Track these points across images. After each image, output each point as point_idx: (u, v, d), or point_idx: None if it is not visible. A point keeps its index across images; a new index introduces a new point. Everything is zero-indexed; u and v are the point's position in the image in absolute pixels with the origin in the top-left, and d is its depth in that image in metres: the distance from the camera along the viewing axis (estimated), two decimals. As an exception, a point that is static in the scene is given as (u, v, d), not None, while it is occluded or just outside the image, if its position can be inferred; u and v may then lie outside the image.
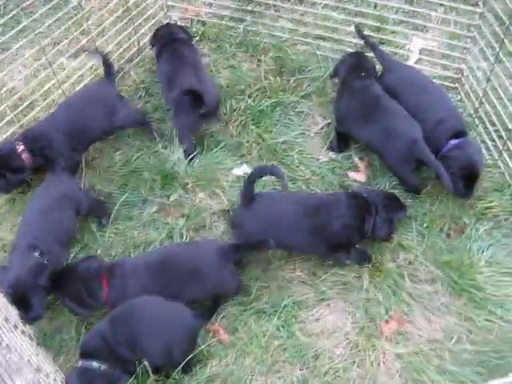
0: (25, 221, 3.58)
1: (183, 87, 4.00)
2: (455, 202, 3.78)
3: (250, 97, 4.40)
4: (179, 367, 3.13)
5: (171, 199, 3.94)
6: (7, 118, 4.12)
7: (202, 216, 3.87)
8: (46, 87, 4.32)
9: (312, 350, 3.32)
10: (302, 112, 4.35)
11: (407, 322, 3.39)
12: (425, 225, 3.70)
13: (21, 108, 4.18)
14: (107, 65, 4.12)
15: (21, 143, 3.83)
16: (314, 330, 3.41)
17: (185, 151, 4.10)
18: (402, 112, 3.85)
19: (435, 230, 3.69)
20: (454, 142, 3.73)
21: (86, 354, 3.02)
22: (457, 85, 4.39)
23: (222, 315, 3.46)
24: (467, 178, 3.67)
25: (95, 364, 2.96)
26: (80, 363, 3.01)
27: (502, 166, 3.94)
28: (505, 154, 3.90)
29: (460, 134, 3.78)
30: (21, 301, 3.14)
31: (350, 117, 3.99)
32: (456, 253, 3.59)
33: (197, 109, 4.04)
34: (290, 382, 3.23)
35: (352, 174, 4.01)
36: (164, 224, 3.84)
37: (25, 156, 3.82)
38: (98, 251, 3.74)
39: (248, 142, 4.20)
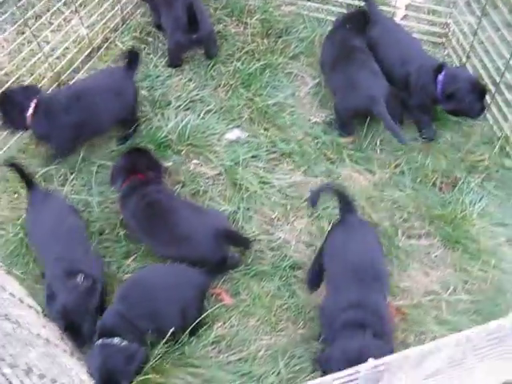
0: (43, 248, 3.43)
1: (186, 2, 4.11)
2: (446, 156, 3.86)
3: (238, 60, 4.37)
4: (189, 329, 3.20)
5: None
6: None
7: (197, 181, 3.89)
8: (31, 61, 4.22)
9: (314, 307, 3.39)
10: (290, 73, 4.36)
11: (405, 277, 3.50)
12: (418, 180, 3.78)
13: (8, 84, 4.06)
14: (133, 54, 4.05)
15: (35, 102, 3.82)
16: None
17: (169, 65, 4.39)
18: (373, 67, 3.94)
19: (428, 185, 3.77)
20: (441, 77, 3.77)
21: (105, 333, 3.04)
22: (443, 40, 4.42)
23: (223, 279, 3.52)
24: (480, 94, 3.72)
25: (116, 340, 2.99)
26: (100, 341, 3.01)
27: (490, 118, 4.00)
28: (493, 107, 3.96)
29: (440, 68, 3.81)
30: (72, 328, 3.12)
31: (325, 63, 4.16)
32: (449, 206, 3.68)
33: (192, 31, 4.17)
34: (293, 340, 3.32)
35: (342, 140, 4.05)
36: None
37: (29, 115, 3.82)
38: (97, 224, 3.75)
39: (239, 105, 4.20)
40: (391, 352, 2.72)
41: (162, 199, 3.54)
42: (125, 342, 2.99)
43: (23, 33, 4.30)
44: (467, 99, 3.67)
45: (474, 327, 3.10)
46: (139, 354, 3.00)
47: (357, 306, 2.98)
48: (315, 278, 3.48)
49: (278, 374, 3.21)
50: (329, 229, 3.51)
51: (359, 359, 2.61)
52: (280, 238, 3.68)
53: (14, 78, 4.13)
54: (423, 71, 3.81)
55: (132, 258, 3.61)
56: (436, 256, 3.55)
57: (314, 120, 4.12)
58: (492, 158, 3.82)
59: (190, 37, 4.21)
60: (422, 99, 3.86)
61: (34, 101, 3.83)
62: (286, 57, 4.41)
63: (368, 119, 3.97)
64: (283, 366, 3.22)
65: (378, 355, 2.64)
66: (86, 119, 3.85)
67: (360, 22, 4.15)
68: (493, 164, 3.81)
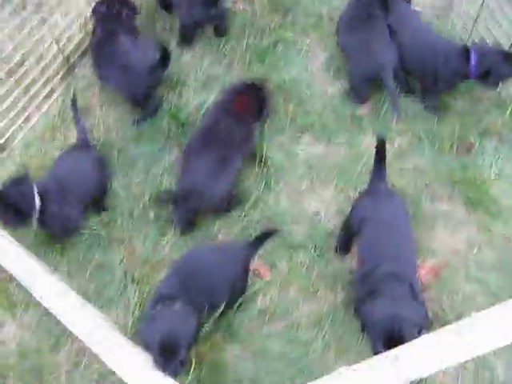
0: None
1: None
2: (460, 122, 3.99)
3: (249, 36, 4.39)
4: (237, 303, 3.33)
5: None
6: None
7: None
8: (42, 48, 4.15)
9: (349, 272, 3.54)
10: (302, 48, 4.39)
11: (432, 239, 3.67)
12: (435, 147, 3.93)
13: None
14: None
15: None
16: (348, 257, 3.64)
17: (180, 42, 4.40)
18: (387, 38, 4.02)
19: (445, 151, 3.92)
20: (472, 57, 3.83)
21: (165, 299, 3.06)
22: (448, 12, 4.49)
23: (258, 253, 3.54)
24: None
25: (179, 304, 3.02)
26: (160, 305, 3.03)
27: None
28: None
29: (467, 49, 3.89)
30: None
31: (343, 21, 4.22)
32: (468, 170, 3.85)
33: (209, 6, 4.18)
34: (334, 306, 3.47)
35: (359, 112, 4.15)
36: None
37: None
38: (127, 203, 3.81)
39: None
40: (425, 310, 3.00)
41: None
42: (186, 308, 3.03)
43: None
44: (503, 70, 3.79)
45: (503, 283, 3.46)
46: (199, 321, 3.04)
47: (393, 259, 3.15)
48: (345, 243, 3.64)
49: (324, 337, 3.37)
50: (357, 195, 3.66)
51: (395, 315, 2.87)
52: (310, 208, 3.81)
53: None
54: (451, 57, 3.87)
55: (167, 237, 3.70)
56: (459, 218, 3.73)
57: (330, 91, 4.20)
58: (504, 122, 3.99)
59: (208, 12, 4.19)
60: (452, 83, 3.98)
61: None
62: (296, 32, 4.45)
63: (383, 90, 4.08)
64: (329, 329, 3.39)
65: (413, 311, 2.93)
66: None
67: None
68: (505, 127, 3.98)
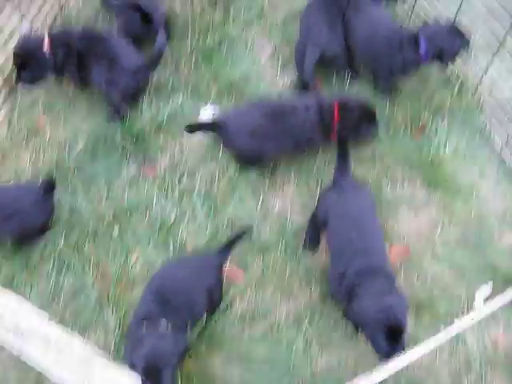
0: None
1: None
2: (411, 104, 4.07)
3: (193, 36, 4.32)
4: (217, 311, 3.38)
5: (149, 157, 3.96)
6: None
7: (182, 164, 3.93)
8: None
9: (321, 267, 3.60)
10: (247, 42, 4.36)
11: (398, 223, 3.76)
12: (391, 130, 3.99)
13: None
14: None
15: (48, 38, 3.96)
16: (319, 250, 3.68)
17: None
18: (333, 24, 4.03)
19: (400, 133, 3.99)
20: (422, 44, 3.83)
21: (147, 319, 3.06)
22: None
23: (230, 257, 3.56)
24: (459, 33, 3.84)
25: (164, 322, 3.02)
26: (145, 326, 3.02)
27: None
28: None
29: (416, 37, 3.89)
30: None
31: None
32: (423, 151, 3.94)
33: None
34: (311, 301, 3.53)
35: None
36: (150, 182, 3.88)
37: (47, 51, 3.93)
38: (91, 222, 3.74)
39: (204, 81, 4.19)
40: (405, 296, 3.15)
41: None
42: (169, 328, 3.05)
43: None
44: (454, 46, 3.82)
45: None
46: (185, 340, 3.06)
47: (363, 253, 3.22)
48: (314, 239, 3.69)
49: (305, 335, 3.43)
50: (322, 191, 3.71)
51: (387, 307, 2.98)
52: (276, 205, 3.82)
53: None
54: (403, 46, 3.87)
55: (136, 254, 3.66)
56: (421, 199, 3.83)
57: (281, 83, 4.20)
58: (453, 99, 4.07)
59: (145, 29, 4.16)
60: (406, 72, 4.00)
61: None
62: (239, 26, 4.40)
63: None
64: (308, 326, 3.45)
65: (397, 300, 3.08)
66: None
67: None
68: (455, 105, 4.07)
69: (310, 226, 3.69)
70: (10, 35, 4.23)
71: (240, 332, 3.45)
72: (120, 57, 3.92)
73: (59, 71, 4.03)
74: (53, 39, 3.96)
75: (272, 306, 3.54)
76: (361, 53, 4.07)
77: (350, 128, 3.73)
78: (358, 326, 3.13)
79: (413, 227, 3.75)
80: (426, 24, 3.90)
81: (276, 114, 3.71)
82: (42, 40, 3.94)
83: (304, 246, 3.69)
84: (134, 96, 4.04)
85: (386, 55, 3.92)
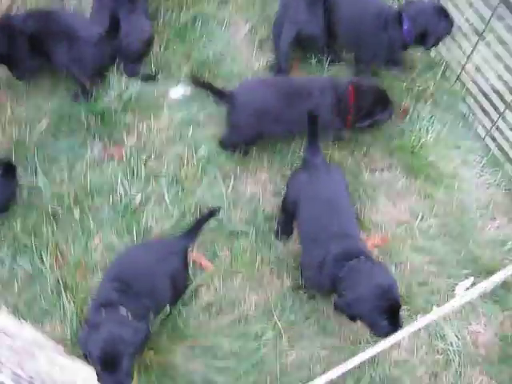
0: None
1: None
2: (394, 87, 3.87)
3: (166, 11, 4.11)
4: (180, 299, 3.16)
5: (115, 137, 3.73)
6: None
7: (149, 145, 3.71)
8: None
9: (295, 257, 3.39)
10: (223, 20, 4.16)
11: (375, 212, 3.57)
12: (372, 114, 3.84)
13: None
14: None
15: None
16: (292, 238, 3.48)
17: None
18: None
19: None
20: (405, 23, 3.66)
21: (108, 304, 2.84)
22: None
23: (197, 243, 3.38)
24: (445, 14, 3.68)
25: (124, 309, 2.81)
26: (103, 310, 2.80)
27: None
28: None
29: (399, 16, 3.72)
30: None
31: None
32: (405, 136, 3.77)
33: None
34: (281, 292, 3.32)
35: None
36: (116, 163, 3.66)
37: None
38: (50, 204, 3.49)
39: (175, 60, 3.98)
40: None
41: None
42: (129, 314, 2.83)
43: None
44: (439, 29, 3.64)
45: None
46: (146, 328, 2.83)
47: (342, 237, 3.02)
48: (286, 226, 3.49)
49: (274, 327, 3.21)
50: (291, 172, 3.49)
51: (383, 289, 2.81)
52: (247, 192, 3.62)
53: None
54: (387, 25, 3.69)
55: (97, 238, 3.42)
56: (401, 186, 3.65)
57: (256, 66, 3.99)
58: (437, 85, 3.90)
59: None
60: (390, 54, 3.81)
61: None
62: (215, 4, 4.20)
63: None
64: (277, 319, 3.24)
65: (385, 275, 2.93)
66: None
67: None
68: (438, 90, 3.90)
69: (281, 213, 3.49)
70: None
71: (206, 323, 3.23)
72: (78, 31, 3.67)
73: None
74: None
75: (241, 295, 3.32)
76: (344, 33, 3.86)
77: (365, 112, 3.54)
78: (354, 316, 2.91)
79: (392, 216, 3.56)
80: (410, 1, 3.72)
81: (290, 96, 3.50)
82: None
83: (276, 235, 3.49)
84: (100, 70, 3.81)
85: (371, 35, 3.73)
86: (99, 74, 3.82)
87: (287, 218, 3.44)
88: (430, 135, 3.75)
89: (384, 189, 3.64)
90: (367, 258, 2.96)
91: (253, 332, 3.22)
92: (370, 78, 3.86)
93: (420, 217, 3.56)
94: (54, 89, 3.92)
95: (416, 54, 3.97)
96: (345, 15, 3.80)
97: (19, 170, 3.57)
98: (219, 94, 3.60)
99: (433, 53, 3.99)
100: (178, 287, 3.16)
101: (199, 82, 3.66)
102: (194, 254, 3.37)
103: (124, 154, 3.68)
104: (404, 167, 3.69)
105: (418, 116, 3.82)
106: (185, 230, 3.25)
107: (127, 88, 3.82)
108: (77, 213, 3.49)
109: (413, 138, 3.74)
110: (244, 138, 3.65)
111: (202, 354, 3.17)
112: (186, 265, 3.21)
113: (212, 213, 3.32)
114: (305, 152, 3.38)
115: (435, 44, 3.71)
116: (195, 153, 3.66)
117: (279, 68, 3.85)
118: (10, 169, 3.53)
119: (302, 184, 3.25)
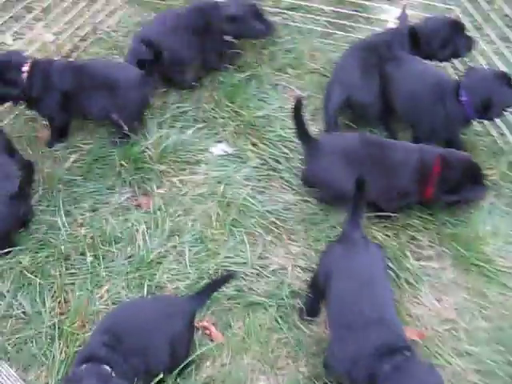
0: None
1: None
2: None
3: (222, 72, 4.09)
4: (177, 370, 2.73)
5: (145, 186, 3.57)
6: None
7: (179, 200, 3.50)
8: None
9: (317, 342, 2.98)
10: (278, 85, 4.07)
11: (416, 304, 3.14)
12: (422, 197, 3.49)
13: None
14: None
15: (29, 64, 3.58)
16: (316, 320, 3.07)
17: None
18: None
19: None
20: (463, 96, 3.40)
21: (93, 359, 2.53)
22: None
23: (210, 310, 3.07)
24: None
25: (107, 368, 2.48)
26: (85, 366, 2.48)
27: (494, 133, 3.76)
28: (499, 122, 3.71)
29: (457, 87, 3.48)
30: None
31: None
32: (460, 225, 3.38)
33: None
34: (295, 380, 2.87)
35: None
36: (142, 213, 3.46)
37: (24, 74, 3.55)
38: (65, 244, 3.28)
39: (223, 118, 3.86)
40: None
41: None
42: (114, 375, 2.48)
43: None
44: (505, 97, 3.33)
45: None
46: None
47: (380, 325, 2.59)
48: (313, 306, 3.08)
49: (281, 421, 2.77)
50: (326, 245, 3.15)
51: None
52: (275, 263, 3.29)
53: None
54: (447, 98, 3.45)
55: (105, 288, 3.16)
56: (450, 280, 3.22)
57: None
58: (501, 175, 3.57)
59: None
60: (451, 128, 3.54)
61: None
62: (273, 68, 4.14)
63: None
64: (285, 411, 2.79)
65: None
66: None
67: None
68: (501, 179, 3.55)
69: (310, 290, 3.12)
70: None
71: (201, 402, 2.82)
72: (116, 76, 3.62)
73: (31, 103, 3.69)
74: (36, 65, 3.61)
75: (248, 377, 2.88)
76: (401, 107, 3.62)
77: (451, 186, 3.26)
78: None
79: (435, 311, 3.09)
80: (470, 69, 3.45)
81: (375, 148, 3.31)
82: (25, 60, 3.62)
83: (300, 314, 3.09)
84: (141, 113, 3.74)
85: (428, 109, 3.46)
86: (138, 119, 3.73)
87: (316, 296, 3.04)
88: (488, 227, 3.35)
89: (429, 280, 3.21)
90: (413, 354, 2.51)
91: (257, 422, 2.78)
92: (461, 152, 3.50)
93: (469, 317, 3.07)
94: (96, 128, 3.86)
95: (478, 137, 3.69)
96: (401, 87, 3.58)
97: (41, 206, 3.44)
98: (305, 138, 3.41)
99: (500, 138, 3.68)
100: (178, 353, 2.76)
101: (298, 114, 3.39)
102: (206, 320, 3.02)
103: (151, 205, 3.49)
104: (455, 258, 3.26)
105: (476, 206, 3.43)
106: (196, 291, 2.95)
107: (167, 137, 3.69)
108: (90, 258, 3.25)
109: (469, 228, 3.34)
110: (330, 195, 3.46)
111: None
112: (190, 330, 2.84)
113: (228, 277, 3.01)
114: (344, 224, 3.04)
115: (500, 114, 3.39)
116: (227, 214, 3.40)
117: (326, 131, 3.64)
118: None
119: (336, 258, 2.88)
